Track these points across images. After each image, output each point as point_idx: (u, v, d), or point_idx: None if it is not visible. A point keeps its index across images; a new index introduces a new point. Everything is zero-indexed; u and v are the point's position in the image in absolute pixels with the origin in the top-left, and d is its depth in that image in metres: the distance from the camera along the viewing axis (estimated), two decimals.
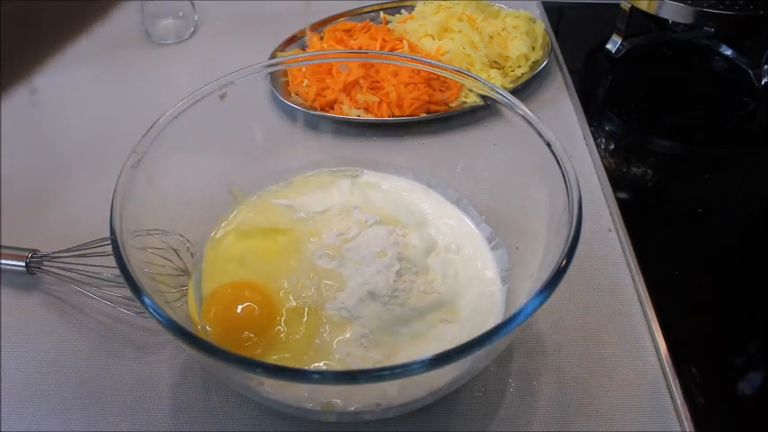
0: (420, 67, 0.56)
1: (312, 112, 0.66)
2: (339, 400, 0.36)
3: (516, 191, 0.49)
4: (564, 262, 0.35)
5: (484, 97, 0.48)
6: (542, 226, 0.42)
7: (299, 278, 0.45)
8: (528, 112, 0.44)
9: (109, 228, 0.37)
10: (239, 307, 0.42)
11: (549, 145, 0.42)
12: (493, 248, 0.49)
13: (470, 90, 0.50)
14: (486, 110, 0.48)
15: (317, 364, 0.40)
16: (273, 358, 0.41)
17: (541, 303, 0.33)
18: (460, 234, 0.51)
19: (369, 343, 0.42)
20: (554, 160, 0.41)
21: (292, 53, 0.78)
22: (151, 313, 0.33)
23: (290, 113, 0.66)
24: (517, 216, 0.48)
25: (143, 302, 0.33)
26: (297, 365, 0.40)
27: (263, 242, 0.48)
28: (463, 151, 0.55)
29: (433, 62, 0.53)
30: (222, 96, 0.48)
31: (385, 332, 0.42)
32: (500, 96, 0.46)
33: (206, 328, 0.42)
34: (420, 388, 0.37)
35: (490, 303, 0.45)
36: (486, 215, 0.51)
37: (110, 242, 0.36)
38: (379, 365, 0.40)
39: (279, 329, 0.42)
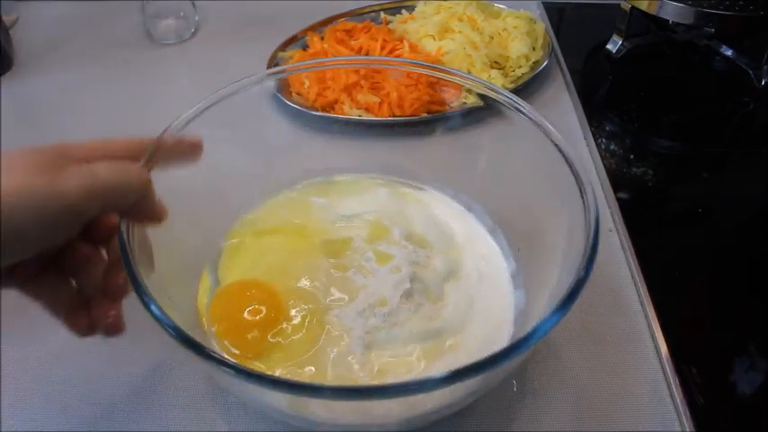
0: (424, 72, 0.55)
1: (313, 112, 0.66)
2: (318, 412, 0.36)
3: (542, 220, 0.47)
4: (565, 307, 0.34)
5: (485, 98, 0.48)
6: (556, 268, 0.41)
7: (311, 280, 0.45)
8: (551, 128, 0.43)
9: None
10: (245, 309, 0.43)
11: (570, 166, 0.40)
12: (515, 287, 0.47)
13: (474, 93, 0.49)
14: (512, 121, 0.46)
15: (309, 369, 0.40)
16: (271, 357, 0.41)
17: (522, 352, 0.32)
18: (486, 265, 0.48)
19: (361, 358, 0.41)
20: (579, 194, 0.39)
21: (293, 53, 0.78)
22: (158, 322, 0.33)
23: (290, 114, 0.66)
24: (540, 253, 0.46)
25: (150, 311, 0.33)
26: (292, 367, 0.40)
27: (284, 236, 0.49)
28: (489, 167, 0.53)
29: (437, 66, 0.52)
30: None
31: (378, 350, 0.41)
32: (529, 113, 0.45)
33: (211, 327, 0.43)
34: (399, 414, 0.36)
35: (495, 344, 0.42)
36: (513, 238, 0.49)
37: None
38: (354, 384, 0.39)
39: (282, 328, 0.42)
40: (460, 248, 0.49)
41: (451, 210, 0.53)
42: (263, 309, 0.43)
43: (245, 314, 0.42)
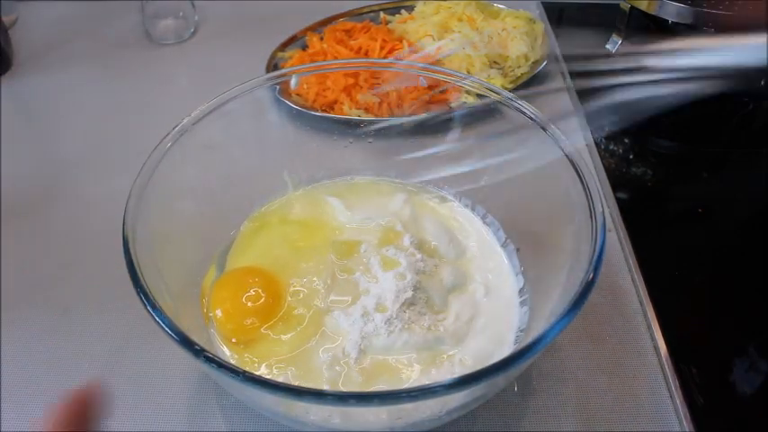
0: (432, 75, 0.55)
1: (313, 112, 0.66)
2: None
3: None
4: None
5: (494, 102, 0.48)
6: (562, 271, 0.41)
7: (316, 278, 0.45)
8: (567, 143, 0.43)
9: (122, 230, 0.37)
10: (246, 294, 0.43)
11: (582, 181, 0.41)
12: (522, 305, 0.46)
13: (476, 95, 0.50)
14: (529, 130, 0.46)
15: (296, 369, 0.41)
16: (262, 349, 0.42)
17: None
18: (494, 280, 0.47)
19: (353, 363, 0.41)
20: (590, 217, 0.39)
21: (292, 53, 0.78)
22: (160, 325, 0.33)
23: (290, 114, 0.66)
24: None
25: (153, 315, 0.33)
26: (280, 364, 0.41)
27: (294, 232, 0.49)
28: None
29: (440, 69, 0.52)
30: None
31: (371, 356, 0.41)
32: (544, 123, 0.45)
33: (210, 311, 0.44)
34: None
35: (493, 359, 0.39)
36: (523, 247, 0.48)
37: None
38: (337, 390, 0.39)
39: (278, 321, 0.43)
40: (470, 261, 0.49)
41: (468, 222, 0.52)
42: (263, 297, 0.43)
43: (245, 300, 0.43)
